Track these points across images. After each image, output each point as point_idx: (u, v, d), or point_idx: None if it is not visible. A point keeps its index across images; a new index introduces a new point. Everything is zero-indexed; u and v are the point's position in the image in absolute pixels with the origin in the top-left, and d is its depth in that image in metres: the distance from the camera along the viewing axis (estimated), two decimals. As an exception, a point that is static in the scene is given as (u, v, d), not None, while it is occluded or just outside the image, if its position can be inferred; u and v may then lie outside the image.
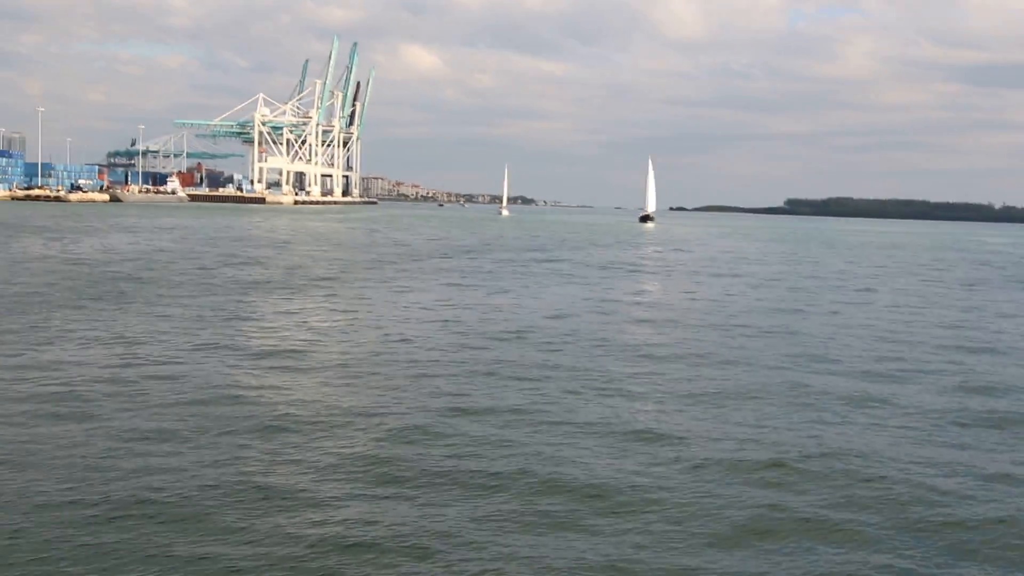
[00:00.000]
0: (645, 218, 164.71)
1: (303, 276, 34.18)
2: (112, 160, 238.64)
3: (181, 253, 44.24)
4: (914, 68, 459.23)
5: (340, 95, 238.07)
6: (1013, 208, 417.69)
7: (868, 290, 36.60)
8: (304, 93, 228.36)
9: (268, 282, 31.33)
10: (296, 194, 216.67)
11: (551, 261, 48.17)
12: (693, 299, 30.71)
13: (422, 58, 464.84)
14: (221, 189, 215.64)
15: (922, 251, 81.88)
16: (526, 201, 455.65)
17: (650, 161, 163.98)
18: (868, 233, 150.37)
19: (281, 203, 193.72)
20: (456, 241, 68.11)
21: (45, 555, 7.79)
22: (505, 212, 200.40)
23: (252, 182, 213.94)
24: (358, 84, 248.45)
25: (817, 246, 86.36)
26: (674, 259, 55.60)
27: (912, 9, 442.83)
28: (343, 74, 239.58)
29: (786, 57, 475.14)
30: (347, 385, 14.69)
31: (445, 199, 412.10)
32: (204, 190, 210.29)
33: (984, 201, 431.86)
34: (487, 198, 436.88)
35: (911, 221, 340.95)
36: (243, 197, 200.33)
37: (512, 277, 37.02)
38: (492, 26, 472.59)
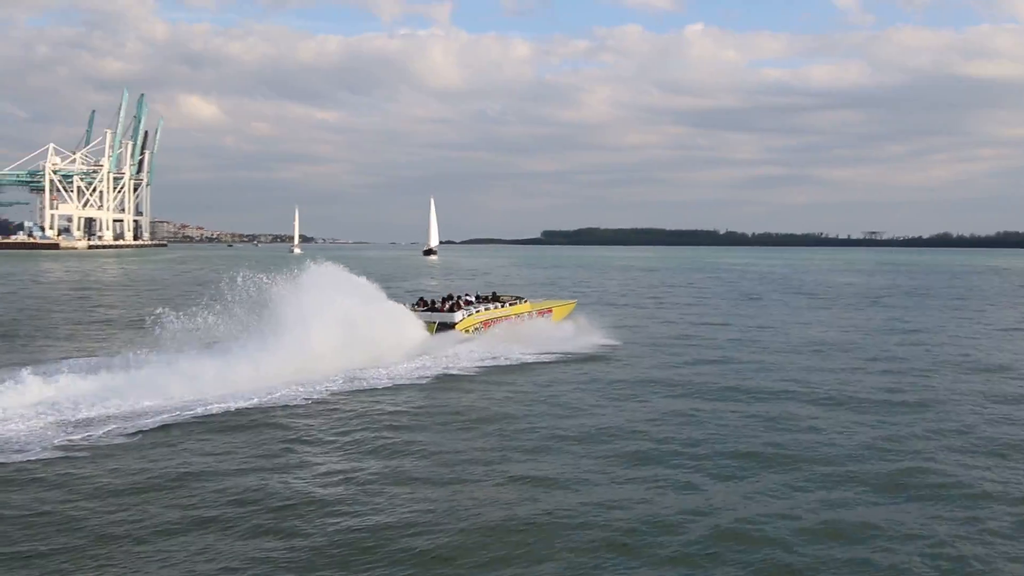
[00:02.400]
0: (428, 252, 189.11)
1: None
2: None
3: (54, 298, 52.49)
4: (647, 113, 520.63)
5: (129, 144, 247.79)
6: (735, 233, 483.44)
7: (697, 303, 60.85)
8: (95, 142, 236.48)
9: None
10: (88, 239, 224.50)
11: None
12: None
13: (202, 108, 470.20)
14: (13, 236, 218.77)
15: (675, 272, 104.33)
16: (305, 239, 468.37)
17: (431, 200, 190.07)
18: (624, 258, 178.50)
19: (75, 248, 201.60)
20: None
21: None
22: (297, 250, 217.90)
23: (43, 228, 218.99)
24: (146, 133, 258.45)
25: (600, 271, 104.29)
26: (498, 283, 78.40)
27: (643, 62, 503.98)
28: (131, 123, 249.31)
29: (536, 104, 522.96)
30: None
31: (230, 239, 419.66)
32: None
33: (711, 228, 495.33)
34: (269, 238, 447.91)
35: (652, 247, 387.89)
36: (36, 243, 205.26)
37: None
38: (268, 78, 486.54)
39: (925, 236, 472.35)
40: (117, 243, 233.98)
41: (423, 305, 30.66)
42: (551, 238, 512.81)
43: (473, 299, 32.14)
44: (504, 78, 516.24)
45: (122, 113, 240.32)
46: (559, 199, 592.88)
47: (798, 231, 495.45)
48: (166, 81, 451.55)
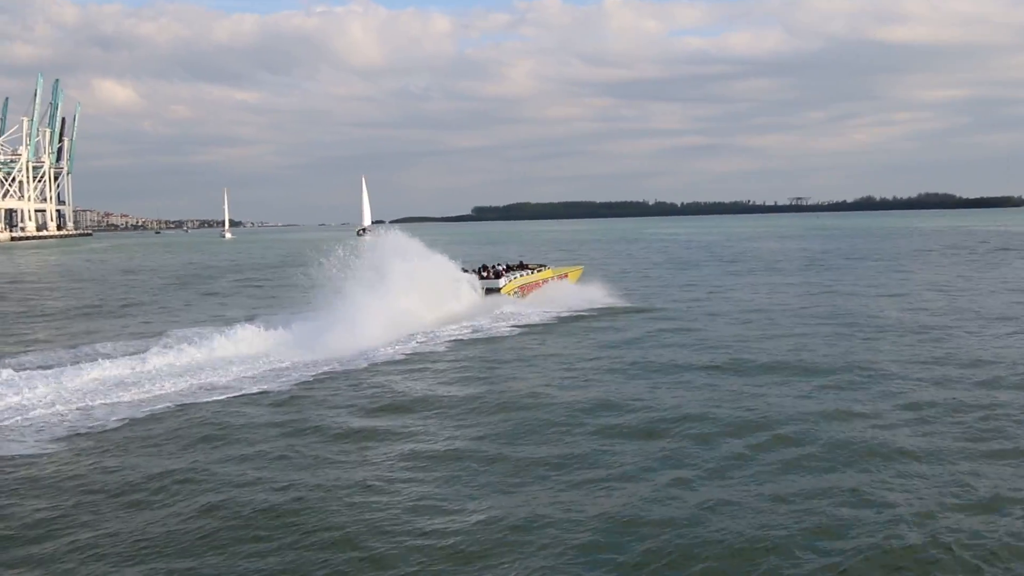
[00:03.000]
0: (363, 231, 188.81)
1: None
2: None
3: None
4: (570, 85, 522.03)
5: (47, 131, 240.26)
6: (664, 203, 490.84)
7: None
8: (11, 131, 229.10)
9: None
10: (10, 231, 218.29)
11: None
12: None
13: (117, 92, 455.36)
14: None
15: (613, 243, 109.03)
16: (233, 224, 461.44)
17: (363, 180, 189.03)
18: (558, 232, 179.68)
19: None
20: (225, 262, 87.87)
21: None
22: (228, 235, 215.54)
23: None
24: (63, 119, 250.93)
25: (537, 247, 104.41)
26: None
27: (564, 34, 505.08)
28: (47, 110, 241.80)
29: (459, 79, 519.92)
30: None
31: (156, 226, 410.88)
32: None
33: (640, 199, 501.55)
34: (196, 223, 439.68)
35: (584, 220, 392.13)
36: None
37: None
38: (183, 59, 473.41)
39: (849, 200, 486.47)
40: (40, 234, 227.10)
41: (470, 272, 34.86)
42: (482, 214, 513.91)
43: (504, 268, 36.76)
44: (425, 54, 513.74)
45: (38, 99, 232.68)
46: (488, 175, 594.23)
47: (726, 199, 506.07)
48: (79, 65, 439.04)
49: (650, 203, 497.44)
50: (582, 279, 39.76)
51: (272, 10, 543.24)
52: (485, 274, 34.80)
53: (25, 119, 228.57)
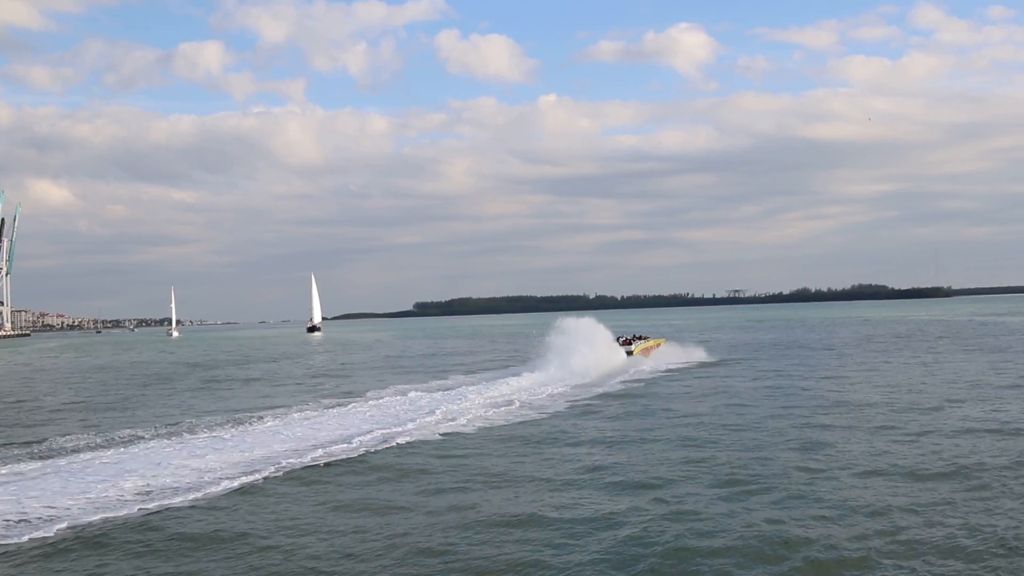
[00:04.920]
0: (312, 328, 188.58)
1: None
2: None
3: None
4: (507, 183, 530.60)
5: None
6: (604, 296, 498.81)
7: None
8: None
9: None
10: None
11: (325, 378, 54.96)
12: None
13: (52, 193, 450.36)
14: None
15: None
16: (171, 323, 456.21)
17: (312, 277, 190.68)
18: (504, 326, 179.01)
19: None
20: (203, 357, 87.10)
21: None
22: (176, 333, 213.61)
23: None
24: (2, 220, 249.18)
25: (490, 340, 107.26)
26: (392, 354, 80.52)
27: (500, 133, 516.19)
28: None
29: (397, 177, 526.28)
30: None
31: (94, 325, 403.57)
32: None
33: (580, 292, 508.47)
34: (134, 322, 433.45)
35: (526, 314, 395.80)
36: None
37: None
38: (120, 160, 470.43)
39: (785, 292, 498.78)
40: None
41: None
42: (424, 309, 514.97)
43: (632, 338, 53.24)
44: (363, 152, 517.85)
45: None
46: (428, 270, 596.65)
47: (665, 292, 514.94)
48: (13, 166, 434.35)
49: (590, 296, 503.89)
50: (669, 344, 57.00)
51: (210, 111, 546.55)
52: (623, 341, 51.42)
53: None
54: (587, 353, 43.75)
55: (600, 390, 35.84)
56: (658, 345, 54.61)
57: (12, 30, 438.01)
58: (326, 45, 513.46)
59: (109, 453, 22.18)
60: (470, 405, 30.99)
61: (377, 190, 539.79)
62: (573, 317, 50.30)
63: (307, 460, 20.90)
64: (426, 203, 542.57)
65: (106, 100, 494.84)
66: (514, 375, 41.61)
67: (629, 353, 49.51)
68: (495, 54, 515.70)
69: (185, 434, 25.60)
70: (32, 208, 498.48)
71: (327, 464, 20.61)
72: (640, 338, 53.92)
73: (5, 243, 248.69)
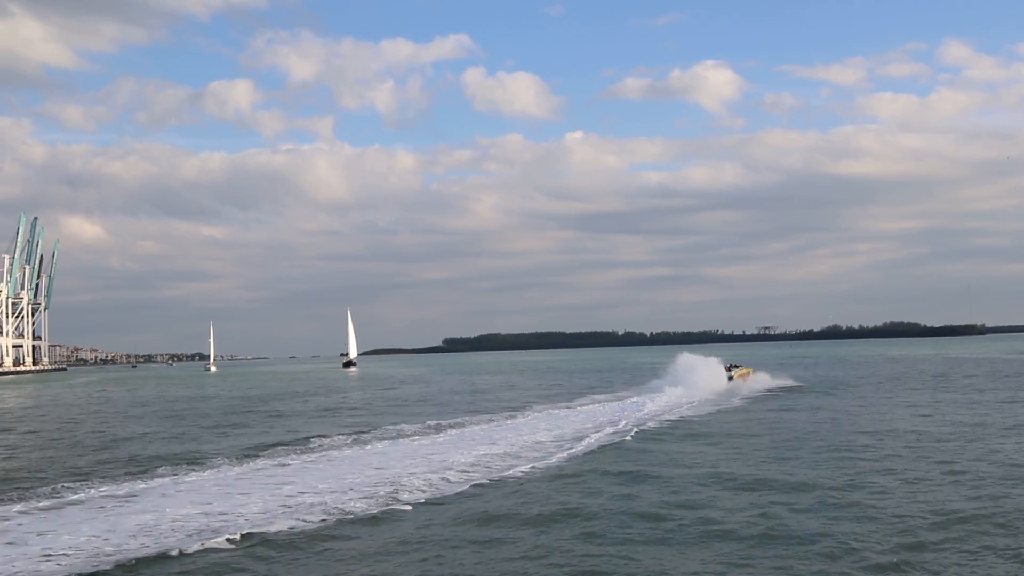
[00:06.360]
0: (348, 363, 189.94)
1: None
2: None
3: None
4: (534, 219, 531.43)
5: (28, 268, 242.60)
6: (633, 333, 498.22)
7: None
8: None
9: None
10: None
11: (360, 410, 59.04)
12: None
13: (85, 229, 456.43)
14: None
15: (591, 372, 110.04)
16: (202, 357, 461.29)
17: (348, 313, 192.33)
18: (539, 362, 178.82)
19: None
20: (255, 391, 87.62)
21: None
22: (213, 368, 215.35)
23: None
24: (41, 257, 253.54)
25: (537, 375, 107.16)
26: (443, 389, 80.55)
27: (527, 170, 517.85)
28: (24, 247, 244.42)
29: (424, 213, 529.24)
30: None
31: (128, 360, 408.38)
32: None
33: (609, 328, 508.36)
34: (166, 356, 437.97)
35: (555, 350, 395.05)
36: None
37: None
38: (151, 196, 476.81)
39: (816, 329, 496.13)
40: (17, 369, 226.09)
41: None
42: (453, 345, 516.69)
43: (731, 365, 64.21)
44: (391, 189, 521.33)
45: (20, 237, 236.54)
46: (457, 306, 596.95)
47: (695, 329, 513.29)
48: (46, 203, 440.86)
49: (619, 333, 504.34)
50: (758, 370, 68.57)
51: (239, 148, 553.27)
52: (727, 367, 62.95)
53: (7, 257, 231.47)
54: (706, 377, 59.11)
55: (736, 402, 48.86)
56: (750, 372, 65.84)
57: (48, 70, 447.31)
58: (353, 83, 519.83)
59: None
60: (652, 410, 43.59)
61: (405, 226, 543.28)
62: (686, 352, 68.33)
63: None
64: (454, 239, 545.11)
65: (138, 138, 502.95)
66: (655, 392, 55.99)
67: (730, 378, 60.45)
68: (521, 91, 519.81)
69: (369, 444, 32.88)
70: (65, 244, 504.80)
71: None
72: (737, 366, 65.19)
73: (44, 279, 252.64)
